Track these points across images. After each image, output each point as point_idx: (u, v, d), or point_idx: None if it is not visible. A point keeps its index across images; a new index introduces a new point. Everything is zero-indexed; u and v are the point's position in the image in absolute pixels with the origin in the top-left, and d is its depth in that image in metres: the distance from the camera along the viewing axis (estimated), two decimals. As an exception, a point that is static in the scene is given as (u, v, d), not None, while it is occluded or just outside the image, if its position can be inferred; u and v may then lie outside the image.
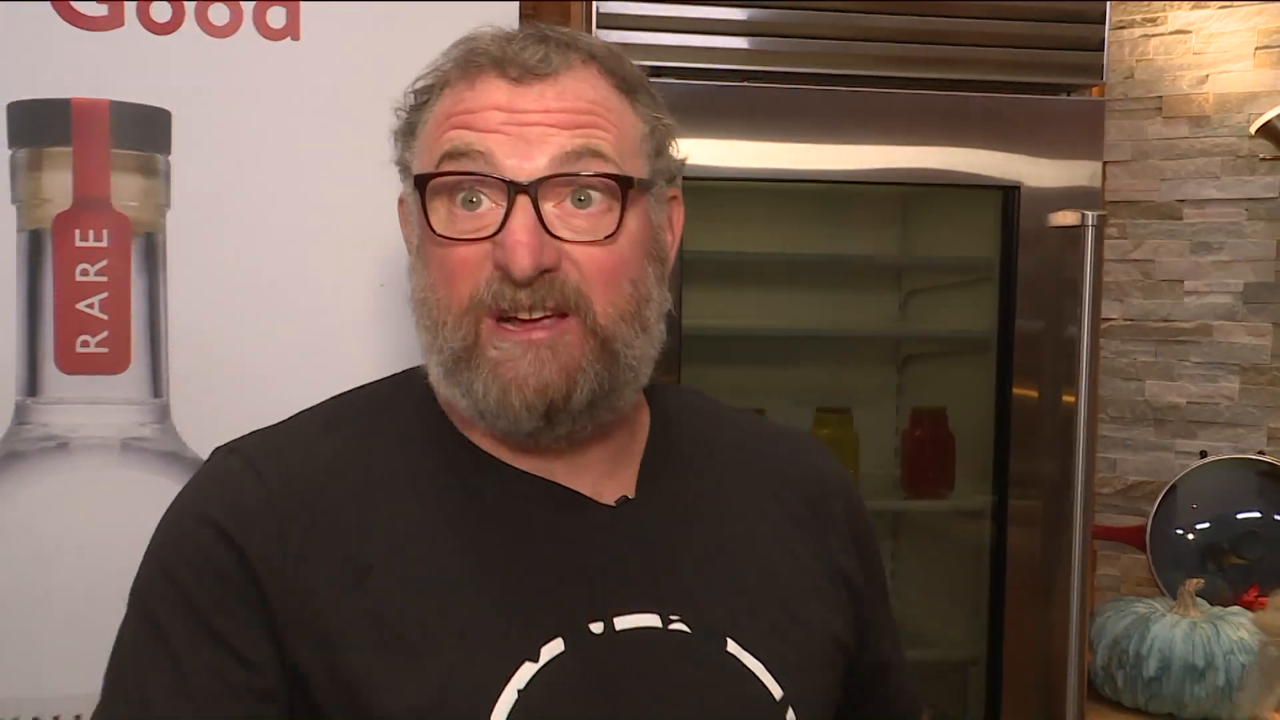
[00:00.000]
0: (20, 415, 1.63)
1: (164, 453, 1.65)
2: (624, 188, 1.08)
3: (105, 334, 1.64)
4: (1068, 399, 2.29)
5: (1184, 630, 2.46)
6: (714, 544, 1.19)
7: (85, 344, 1.63)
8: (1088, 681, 2.39)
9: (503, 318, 1.06)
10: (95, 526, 1.62)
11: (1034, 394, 2.34)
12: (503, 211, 1.05)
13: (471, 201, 1.07)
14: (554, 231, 1.06)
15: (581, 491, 1.15)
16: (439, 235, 1.08)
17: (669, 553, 1.16)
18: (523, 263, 1.03)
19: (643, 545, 1.15)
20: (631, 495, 1.17)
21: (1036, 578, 2.35)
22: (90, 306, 1.63)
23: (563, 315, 1.07)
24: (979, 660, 2.39)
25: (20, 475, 1.64)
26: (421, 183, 1.09)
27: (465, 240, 1.07)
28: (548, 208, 1.06)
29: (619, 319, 1.09)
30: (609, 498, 1.16)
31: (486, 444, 1.15)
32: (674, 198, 1.19)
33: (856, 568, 1.27)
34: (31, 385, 1.64)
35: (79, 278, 1.63)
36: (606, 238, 1.07)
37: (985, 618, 2.39)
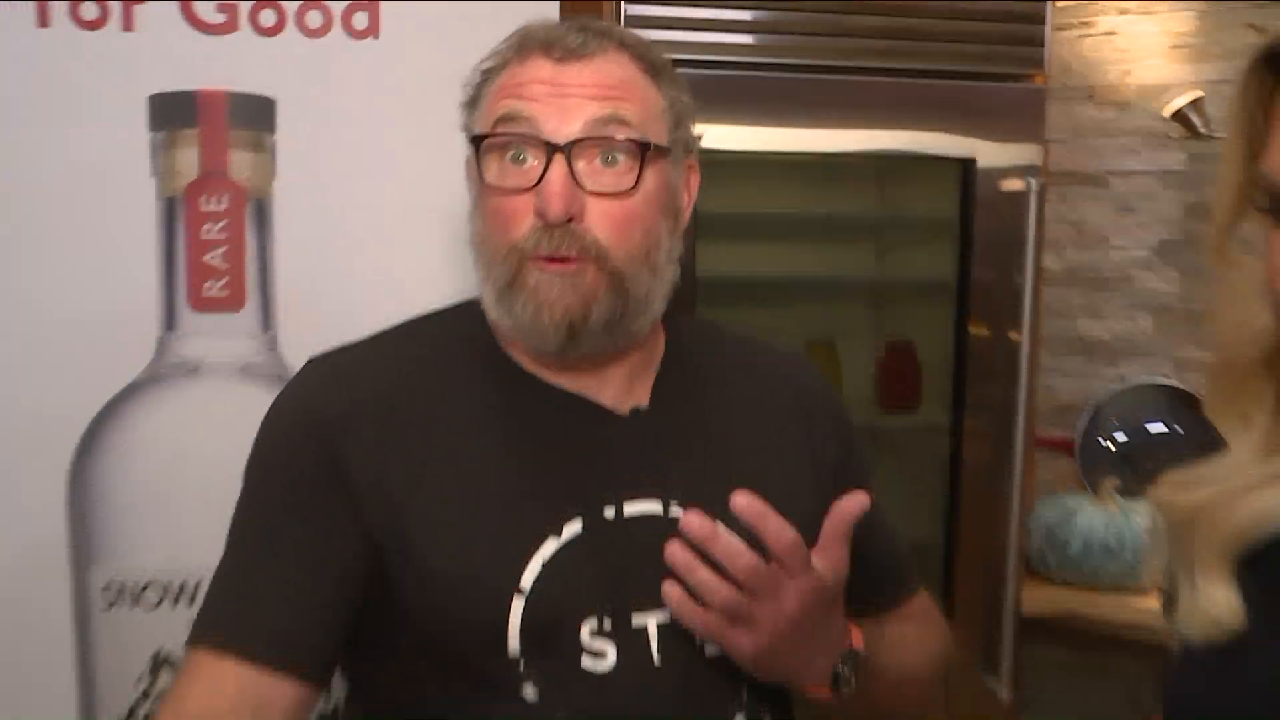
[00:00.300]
0: (161, 346, 1.62)
1: (274, 375, 1.62)
2: (643, 150, 1.06)
3: (226, 280, 1.61)
4: (1014, 335, 2.26)
5: (1102, 519, 2.50)
6: (712, 445, 1.16)
7: (210, 288, 1.61)
8: (1025, 561, 2.40)
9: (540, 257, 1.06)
10: (220, 433, 1.60)
11: (986, 332, 2.31)
12: (543, 167, 1.05)
13: (518, 159, 1.07)
14: (583, 184, 1.05)
15: (603, 403, 1.13)
16: (491, 186, 1.07)
17: (672, 453, 1.14)
18: (555, 209, 1.03)
19: (650, 447, 1.13)
20: (644, 407, 1.14)
21: (986, 479, 2.33)
22: (214, 258, 1.61)
23: (583, 259, 1.05)
24: (937, 545, 2.37)
25: (161, 394, 1.63)
26: (477, 142, 1.08)
27: (513, 191, 1.06)
28: (579, 165, 1.05)
29: (630, 261, 1.08)
30: (625, 408, 1.14)
31: (527, 363, 1.14)
32: (690, 165, 1.16)
33: (841, 463, 1.23)
34: (169, 321, 1.62)
35: (204, 235, 1.60)
36: (626, 191, 1.06)
37: (943, 511, 2.38)
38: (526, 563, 1.05)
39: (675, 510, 1.10)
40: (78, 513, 1.64)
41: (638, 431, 1.13)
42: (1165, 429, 2.81)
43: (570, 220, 1.04)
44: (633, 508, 1.09)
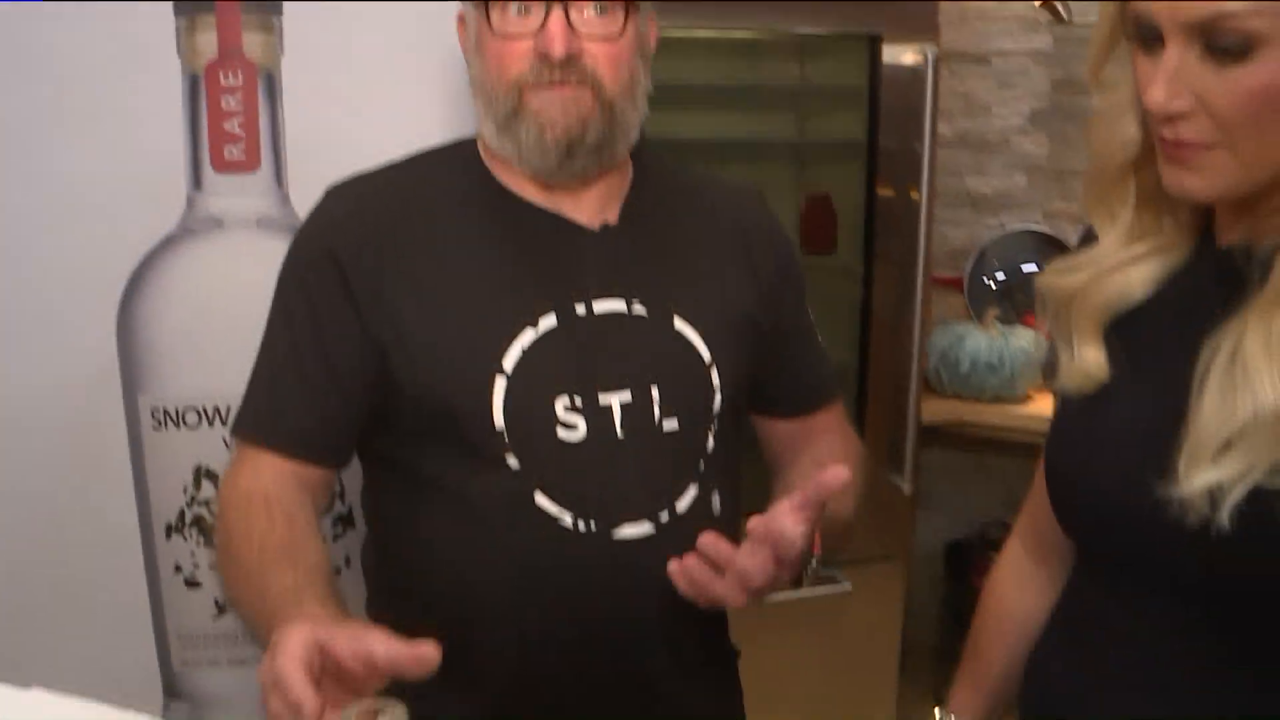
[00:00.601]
0: (189, 203, 1.60)
1: (287, 226, 1.59)
2: (626, 3, 1.07)
3: (243, 144, 1.59)
4: (914, 194, 2.26)
5: (986, 342, 2.53)
6: (670, 254, 1.17)
7: (230, 152, 1.58)
8: (924, 379, 2.43)
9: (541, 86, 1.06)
10: (243, 278, 1.58)
11: (891, 191, 2.32)
12: (543, 15, 1.05)
13: (521, 10, 1.06)
14: (578, 30, 1.04)
15: (578, 221, 1.13)
16: (495, 32, 1.07)
17: (636, 260, 1.14)
18: (557, 49, 1.04)
19: (617, 256, 1.13)
20: (613, 224, 1.14)
21: (892, 312, 2.35)
22: (232, 126, 1.58)
23: (581, 86, 1.07)
24: (852, 367, 2.40)
25: (192, 245, 1.61)
26: None
27: (516, 37, 1.06)
28: (574, 15, 1.05)
29: (620, 93, 1.09)
30: (596, 225, 1.14)
31: (513, 186, 1.13)
32: (650, 19, 1.16)
33: (779, 280, 1.24)
34: (196, 181, 1.59)
35: (224, 106, 1.57)
36: (616, 35, 1.07)
37: (857, 339, 2.39)
38: (508, 348, 1.06)
39: (638, 308, 1.11)
40: (126, 348, 1.63)
41: (607, 243, 1.13)
42: (1036, 268, 2.84)
43: (569, 57, 1.05)
44: (601, 306, 1.10)
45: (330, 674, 0.78)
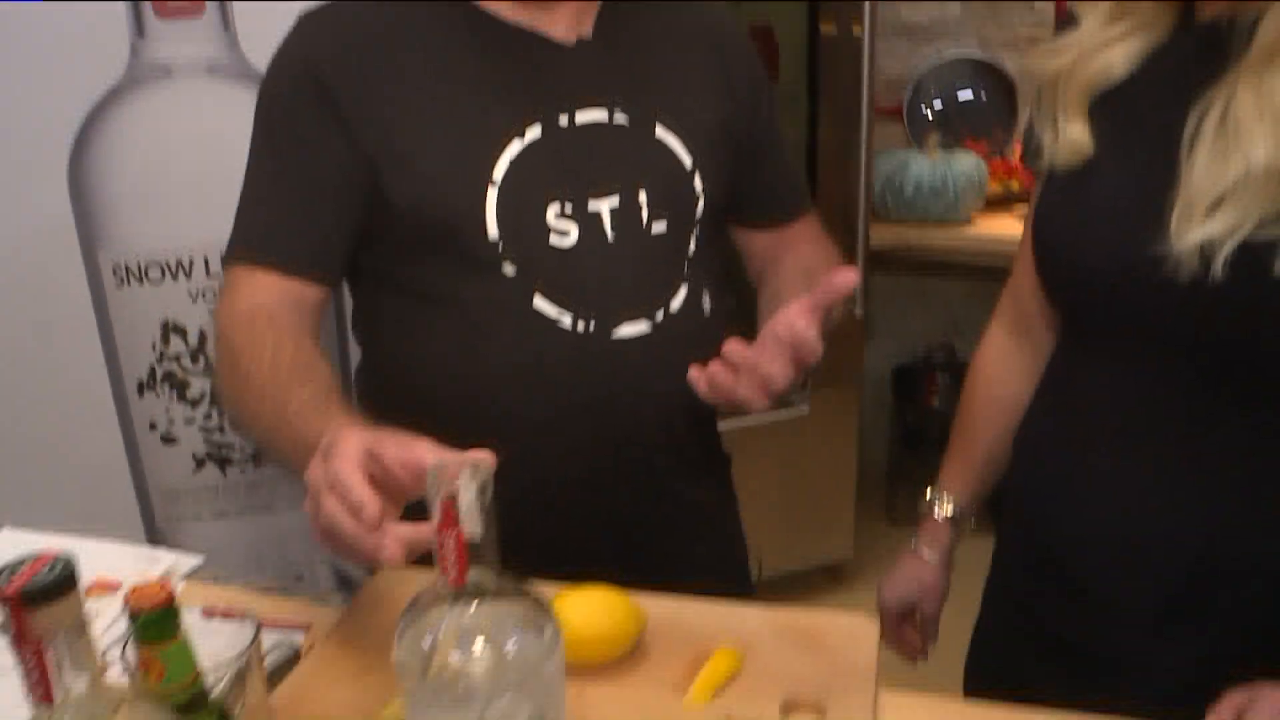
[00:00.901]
0: (134, 51, 1.54)
1: (239, 72, 1.55)
2: None
3: (186, -12, 1.52)
4: (856, 29, 2.25)
5: (928, 166, 2.55)
6: (646, 66, 1.16)
7: (173, -3, 1.52)
8: (872, 205, 2.45)
9: None
10: (196, 127, 1.56)
11: (833, 26, 2.28)
12: None
13: None
14: None
15: (554, 36, 1.11)
16: None
17: (613, 72, 1.13)
18: None
19: (594, 67, 1.12)
20: (589, 37, 1.13)
21: (839, 142, 2.35)
22: (173, -31, 1.51)
23: None
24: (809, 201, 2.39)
25: (139, 93, 1.56)
26: None
27: None
28: None
29: None
30: (572, 39, 1.13)
31: (488, 4, 1.11)
32: None
33: (750, 93, 1.23)
34: (139, 29, 1.53)
35: (163, -49, 1.50)
36: None
37: (805, 168, 2.39)
38: (496, 159, 1.06)
39: (619, 117, 1.11)
40: (80, 204, 1.58)
41: (584, 56, 1.12)
42: (972, 96, 2.86)
43: None
44: (583, 116, 1.09)
45: (376, 481, 0.77)
